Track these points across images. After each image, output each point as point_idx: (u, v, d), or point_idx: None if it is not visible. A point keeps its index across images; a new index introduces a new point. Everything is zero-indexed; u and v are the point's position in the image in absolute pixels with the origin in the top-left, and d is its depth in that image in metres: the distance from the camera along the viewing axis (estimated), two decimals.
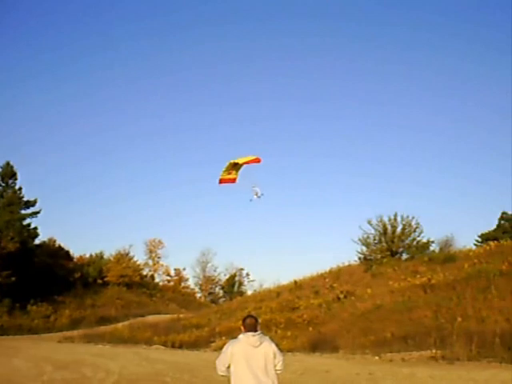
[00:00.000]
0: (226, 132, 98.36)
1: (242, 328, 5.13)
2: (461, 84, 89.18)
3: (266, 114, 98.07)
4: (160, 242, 64.67)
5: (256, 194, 12.45)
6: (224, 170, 12.44)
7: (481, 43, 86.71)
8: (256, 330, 5.06)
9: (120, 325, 33.36)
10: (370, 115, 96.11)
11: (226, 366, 5.01)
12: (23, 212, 40.61)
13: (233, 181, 12.58)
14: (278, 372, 5.15)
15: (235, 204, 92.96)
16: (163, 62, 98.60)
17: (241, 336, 5.09)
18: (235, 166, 12.30)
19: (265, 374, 4.95)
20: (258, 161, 12.11)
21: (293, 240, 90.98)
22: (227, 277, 67.12)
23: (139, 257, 62.04)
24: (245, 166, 12.25)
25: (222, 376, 5.08)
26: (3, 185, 40.92)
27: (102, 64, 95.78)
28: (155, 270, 65.09)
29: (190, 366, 15.56)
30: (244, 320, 5.17)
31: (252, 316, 5.28)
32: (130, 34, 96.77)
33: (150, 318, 37.31)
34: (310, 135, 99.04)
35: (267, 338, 5.17)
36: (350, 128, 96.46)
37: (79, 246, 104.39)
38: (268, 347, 5.07)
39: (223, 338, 22.75)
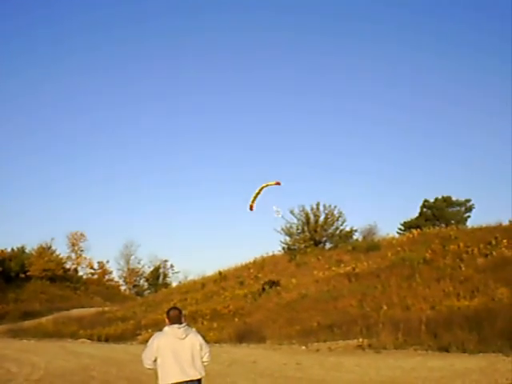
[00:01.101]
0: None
1: (167, 320, 5.06)
2: (385, 67, 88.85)
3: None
4: (82, 234, 63.94)
5: (278, 213, 15.41)
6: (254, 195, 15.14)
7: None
8: (181, 322, 4.99)
9: (44, 319, 33.22)
10: (293, 103, 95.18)
11: (153, 359, 4.95)
12: None
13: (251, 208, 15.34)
14: (205, 364, 5.11)
15: (158, 195, 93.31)
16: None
17: (166, 328, 5.00)
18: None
19: (192, 365, 4.90)
20: (278, 184, 15.14)
21: (217, 231, 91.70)
22: (151, 269, 67.30)
23: (62, 250, 61.23)
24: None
25: (149, 369, 5.03)
26: None
27: None
28: (78, 264, 64.17)
29: (116, 360, 15.29)
30: (168, 312, 5.09)
31: (176, 308, 5.20)
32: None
33: (75, 312, 36.91)
34: (227, 126, 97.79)
35: (193, 329, 5.12)
36: (269, 116, 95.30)
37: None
38: (194, 339, 5.00)
39: (149, 330, 22.47)
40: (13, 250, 54.74)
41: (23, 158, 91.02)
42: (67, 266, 61.50)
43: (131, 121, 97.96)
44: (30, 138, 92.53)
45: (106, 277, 67.08)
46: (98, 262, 66.21)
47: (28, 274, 51.23)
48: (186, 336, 4.93)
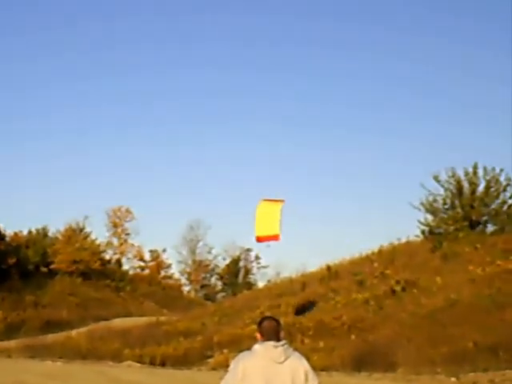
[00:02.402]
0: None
1: (258, 335, 5.21)
2: None
3: None
4: (128, 211, 65.56)
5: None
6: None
7: None
8: (279, 339, 5.14)
9: (75, 332, 34.02)
10: None
11: None
12: None
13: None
14: None
15: (233, 159, 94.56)
16: None
17: (257, 347, 5.16)
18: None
19: None
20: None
21: (323, 207, 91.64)
22: (228, 262, 68.62)
23: (99, 233, 62.86)
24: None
25: None
26: None
27: None
28: (122, 253, 66.11)
29: None
30: (260, 323, 5.24)
31: (272, 318, 5.37)
32: None
33: (118, 323, 38.09)
34: None
35: (296, 352, 5.24)
36: None
37: (12, 219, 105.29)
38: (297, 364, 5.12)
39: (224, 351, 23.17)
40: (30, 232, 56.11)
41: (53, 113, 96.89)
42: (107, 257, 63.32)
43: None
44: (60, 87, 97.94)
45: (162, 272, 68.97)
46: (151, 252, 68.10)
47: (52, 267, 52.40)
48: (286, 359, 5.04)
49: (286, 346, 5.10)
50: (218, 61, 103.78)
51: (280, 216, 17.68)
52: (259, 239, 18.20)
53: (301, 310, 29.37)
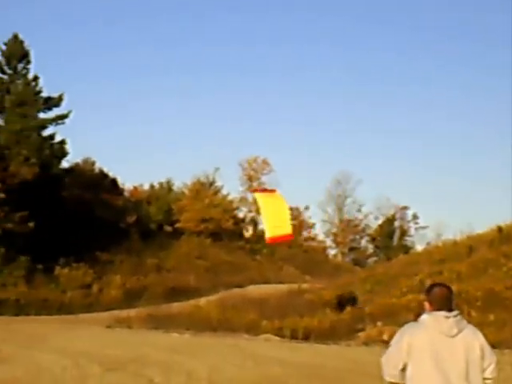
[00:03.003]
0: None
1: (427, 304, 5.24)
2: None
3: None
4: (265, 162, 66.07)
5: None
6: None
7: None
8: (451, 308, 5.15)
9: (204, 300, 34.60)
10: None
11: (400, 366, 5.12)
12: (42, 116, 42.59)
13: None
14: (488, 382, 5.19)
15: (387, 105, 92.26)
16: None
17: (425, 317, 5.18)
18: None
19: (465, 382, 4.99)
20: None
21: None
22: (380, 221, 68.36)
23: (232, 188, 63.34)
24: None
25: (391, 380, 5.16)
26: (9, 72, 42.95)
27: None
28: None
29: (324, 371, 16.06)
30: (430, 290, 5.27)
31: (443, 284, 5.39)
32: None
33: (254, 290, 38.63)
34: None
35: (469, 324, 5.25)
36: None
37: (132, 172, 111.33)
38: (471, 338, 5.12)
39: (378, 323, 23.41)
40: (153, 187, 58.41)
41: (180, 54, 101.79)
42: (240, 215, 64.64)
43: None
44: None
45: (305, 233, 70.40)
46: (291, 209, 65.65)
47: (177, 226, 54.03)
48: (459, 332, 5.06)
49: (458, 317, 5.14)
50: None
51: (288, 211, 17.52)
52: (271, 240, 17.51)
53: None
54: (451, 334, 5.03)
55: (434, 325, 5.08)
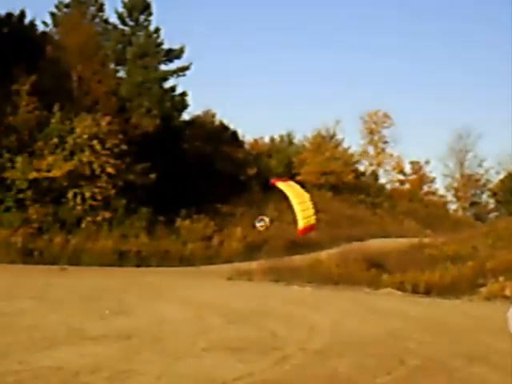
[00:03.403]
0: None
1: None
2: None
3: None
4: (386, 115, 65.42)
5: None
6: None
7: None
8: None
9: (325, 254, 34.83)
10: None
11: None
12: (163, 68, 42.84)
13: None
14: None
15: None
16: None
17: None
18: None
19: None
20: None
21: None
22: (502, 176, 66.26)
23: (352, 141, 62.76)
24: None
25: None
26: (131, 24, 43.37)
27: None
28: (379, 164, 66.50)
29: (446, 326, 16.16)
30: None
31: None
32: None
33: (374, 244, 38.34)
34: None
35: None
36: None
37: (252, 124, 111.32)
38: None
39: (500, 278, 23.09)
40: (273, 140, 58.51)
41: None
42: (361, 168, 64.87)
43: None
44: None
45: (425, 187, 69.47)
46: (412, 163, 68.36)
47: (298, 179, 51.78)
48: None
49: None
50: None
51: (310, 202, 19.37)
52: (302, 231, 19.50)
53: None
54: None
55: None
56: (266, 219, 21.43)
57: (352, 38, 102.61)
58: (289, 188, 19.75)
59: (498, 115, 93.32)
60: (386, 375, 10.61)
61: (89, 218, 32.57)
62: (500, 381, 10.10)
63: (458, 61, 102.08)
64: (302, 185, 50.93)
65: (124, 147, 33.93)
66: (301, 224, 19.28)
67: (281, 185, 19.90)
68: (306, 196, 19.94)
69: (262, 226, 21.01)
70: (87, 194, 32.37)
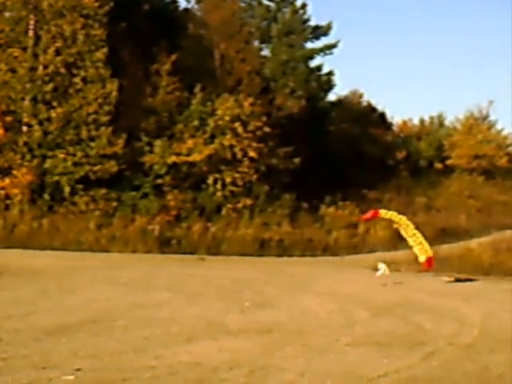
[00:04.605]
0: None
1: None
2: None
3: None
4: None
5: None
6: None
7: None
8: None
9: (475, 242, 32.96)
10: None
11: None
12: (309, 46, 41.36)
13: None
14: None
15: None
16: None
17: None
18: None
19: None
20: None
21: None
22: None
23: (506, 123, 59.81)
24: None
25: None
26: (277, 0, 41.92)
27: None
28: None
29: None
30: None
31: None
32: None
33: None
34: None
35: None
36: None
37: (401, 105, 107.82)
38: None
39: None
40: (423, 121, 56.06)
41: None
42: None
43: None
44: None
45: None
46: None
47: (448, 163, 51.79)
48: None
49: None
50: None
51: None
52: (428, 266, 21.27)
53: None
54: None
55: None
56: (384, 266, 21.08)
57: (505, 16, 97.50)
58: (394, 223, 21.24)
59: None
60: None
61: (229, 205, 31.69)
62: None
63: None
64: (452, 169, 49.68)
65: (267, 130, 32.80)
66: (423, 259, 20.59)
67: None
68: (410, 224, 21.24)
69: (381, 275, 20.69)
70: (228, 180, 31.48)
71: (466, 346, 11.81)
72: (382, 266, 21.12)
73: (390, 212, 21.99)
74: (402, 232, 21.43)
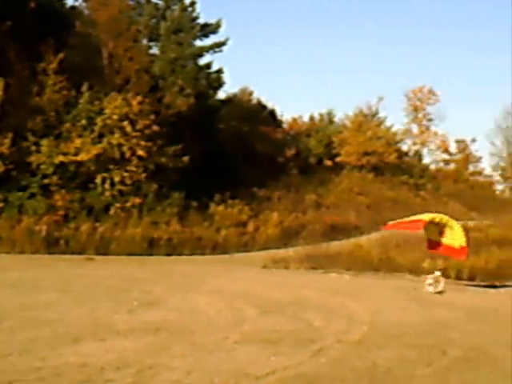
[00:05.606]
0: None
1: None
2: None
3: None
4: (431, 92, 63.84)
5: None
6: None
7: None
8: None
9: (365, 239, 34.66)
10: None
11: None
12: (198, 44, 41.92)
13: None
14: None
15: None
16: None
17: None
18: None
19: None
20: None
21: None
22: None
23: (395, 120, 62.02)
24: None
25: None
26: None
27: None
28: (423, 143, 65.17)
29: (489, 315, 15.94)
30: None
31: None
32: None
33: None
34: None
35: None
36: None
37: (290, 103, 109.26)
38: None
39: None
40: (312, 119, 57.33)
41: None
42: (404, 148, 63.45)
43: None
44: None
45: (471, 168, 67.83)
46: (458, 142, 66.78)
47: (338, 160, 53.03)
48: None
49: None
50: None
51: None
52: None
53: None
54: None
55: None
56: (438, 275, 20.23)
57: (395, 11, 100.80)
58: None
59: None
60: (427, 367, 10.58)
61: (118, 205, 31.86)
62: None
63: (506, 36, 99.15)
64: (342, 166, 51.01)
65: (156, 128, 33.24)
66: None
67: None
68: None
69: (435, 288, 19.79)
70: (116, 179, 31.67)
71: (355, 343, 12.29)
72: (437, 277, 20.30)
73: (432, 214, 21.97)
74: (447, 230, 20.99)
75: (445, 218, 20.77)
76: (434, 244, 21.45)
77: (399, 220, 22.41)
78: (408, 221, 21.63)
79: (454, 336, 12.96)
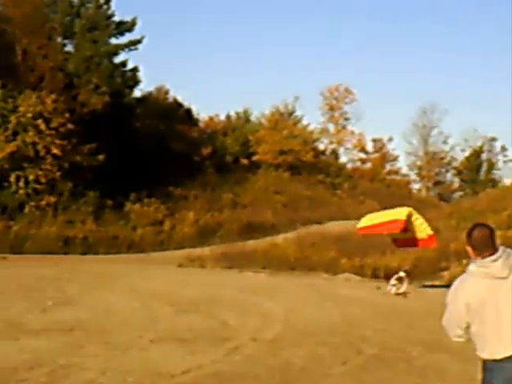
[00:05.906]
0: None
1: (469, 249, 5.11)
2: None
3: None
4: (348, 90, 64.76)
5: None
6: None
7: None
8: (495, 249, 4.96)
9: (281, 237, 34.42)
10: None
11: (463, 325, 5.08)
12: (114, 42, 41.82)
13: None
14: None
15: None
16: None
17: (472, 268, 5.09)
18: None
19: None
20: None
21: None
22: (467, 154, 66.84)
23: (312, 118, 62.59)
24: None
25: (458, 340, 5.19)
26: None
27: None
28: (339, 142, 65.92)
29: (404, 313, 16.19)
30: (470, 234, 5.10)
31: (483, 225, 5.26)
32: None
33: (333, 227, 37.58)
34: None
35: None
36: None
37: (207, 101, 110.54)
38: None
39: (464, 261, 22.54)
40: (229, 117, 57.45)
41: None
42: (321, 147, 64.00)
43: None
44: None
45: (388, 167, 69.17)
46: (374, 141, 67.91)
47: (254, 158, 53.21)
48: (510, 271, 4.96)
49: (505, 254, 4.96)
50: None
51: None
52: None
53: None
54: (502, 275, 4.90)
55: (482, 271, 4.97)
56: (402, 275, 19.95)
57: (310, 8, 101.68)
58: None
59: (463, 90, 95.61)
60: (342, 365, 10.67)
61: (32, 203, 31.78)
62: (461, 368, 9.98)
63: (423, 34, 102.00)
64: (259, 165, 51.32)
65: (70, 126, 33.17)
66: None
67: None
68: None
69: (398, 289, 19.53)
70: (31, 177, 31.60)
71: (270, 341, 12.38)
72: (401, 275, 20.00)
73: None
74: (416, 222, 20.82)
75: (413, 211, 20.93)
76: (403, 241, 21.35)
77: (370, 222, 21.24)
78: (384, 222, 20.89)
79: (368, 334, 13.15)
